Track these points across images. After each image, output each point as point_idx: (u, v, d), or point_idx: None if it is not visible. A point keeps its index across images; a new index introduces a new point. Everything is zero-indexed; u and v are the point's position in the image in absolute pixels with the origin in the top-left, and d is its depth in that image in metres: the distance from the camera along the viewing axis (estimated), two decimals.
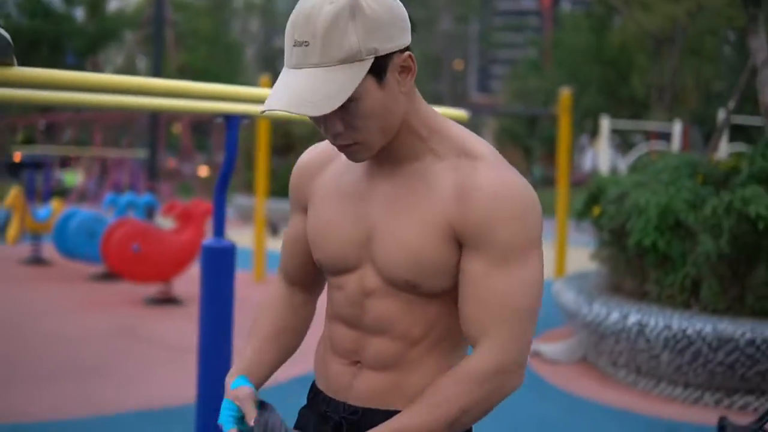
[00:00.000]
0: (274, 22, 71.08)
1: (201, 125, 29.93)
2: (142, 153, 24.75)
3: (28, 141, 43.25)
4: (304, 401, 2.24)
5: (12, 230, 13.77)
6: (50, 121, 35.08)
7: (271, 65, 67.31)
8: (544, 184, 53.83)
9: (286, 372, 3.24)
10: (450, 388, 1.87)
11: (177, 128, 32.57)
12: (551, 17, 61.54)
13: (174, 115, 24.23)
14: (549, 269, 13.12)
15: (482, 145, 1.96)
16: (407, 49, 1.87)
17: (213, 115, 4.15)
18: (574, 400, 6.92)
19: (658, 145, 21.20)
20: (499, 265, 1.85)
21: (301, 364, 3.41)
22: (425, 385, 1.94)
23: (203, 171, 33.10)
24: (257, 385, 2.16)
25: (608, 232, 7.90)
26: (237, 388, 2.04)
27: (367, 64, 1.77)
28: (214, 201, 4.28)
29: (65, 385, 6.83)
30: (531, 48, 68.39)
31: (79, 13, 57.01)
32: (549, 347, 8.24)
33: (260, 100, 3.95)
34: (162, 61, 18.10)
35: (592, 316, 7.40)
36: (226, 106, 4.00)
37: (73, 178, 32.14)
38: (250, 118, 4.20)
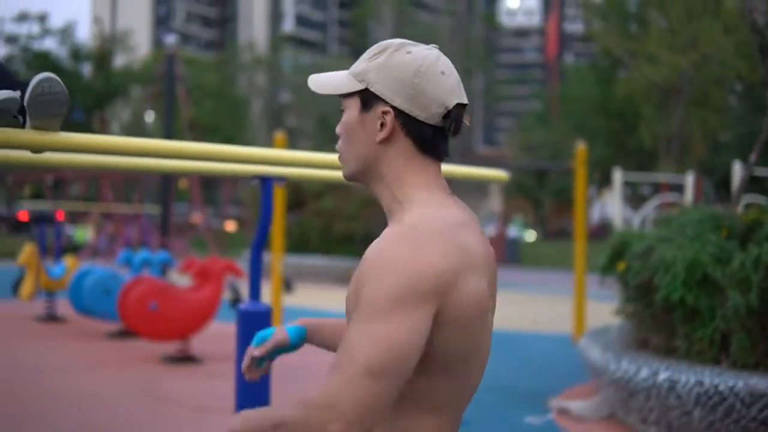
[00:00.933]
0: (280, 77, 71.39)
1: (209, 180, 29.93)
2: (153, 209, 24.73)
3: (36, 196, 43.28)
4: None
5: (26, 287, 13.74)
6: (58, 177, 35.06)
7: (277, 120, 67.53)
8: (554, 237, 53.83)
9: None
10: (285, 403, 1.87)
11: (183, 183, 32.61)
12: (557, 69, 61.71)
13: None
14: (568, 324, 13.05)
15: (413, 216, 2.00)
16: (402, 114, 2.04)
17: (249, 177, 4.13)
18: None
19: (670, 196, 21.17)
20: (356, 320, 1.87)
21: None
22: None
23: (230, 226, 33.08)
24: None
25: (634, 287, 7.82)
26: (285, 330, 2.43)
27: (359, 86, 2.07)
28: (250, 263, 4.25)
29: None
30: (536, 100, 68.61)
31: (86, 69, 57.41)
32: (576, 404, 8.15)
33: (294, 163, 3.96)
34: (173, 116, 18.15)
35: (621, 373, 7.31)
36: (262, 169, 3.98)
37: (84, 234, 32.12)
38: (285, 180, 4.17)
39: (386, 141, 2.06)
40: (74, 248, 26.33)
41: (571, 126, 46.08)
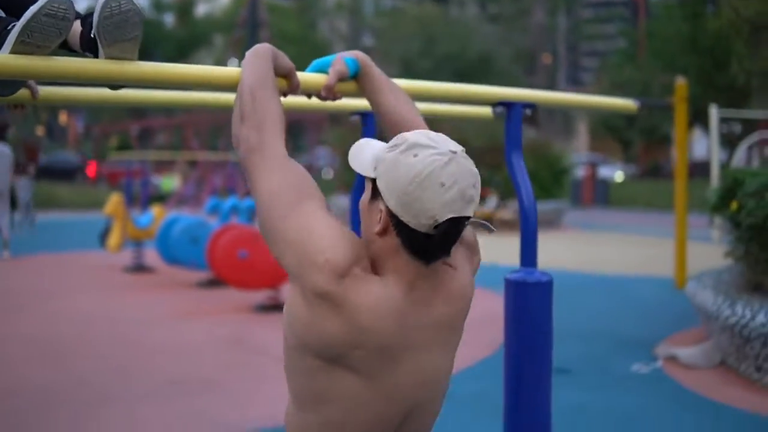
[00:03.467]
0: (362, 21, 70.91)
1: (295, 125, 29.78)
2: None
3: (123, 146, 43.62)
4: None
5: (114, 238, 13.65)
6: (143, 126, 35.24)
7: None
8: (643, 177, 52.93)
9: None
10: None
11: None
12: (644, 6, 60.38)
13: None
14: (666, 266, 12.59)
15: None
16: (394, 215, 2.05)
17: (349, 113, 3.82)
18: (719, 408, 6.44)
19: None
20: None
21: None
22: None
23: (330, 173, 32.98)
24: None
25: (747, 227, 7.38)
26: (344, 60, 2.65)
27: (372, 175, 2.13)
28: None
29: (176, 402, 6.54)
30: (621, 39, 67.26)
31: (168, 19, 57.59)
32: (685, 351, 7.76)
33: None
34: None
35: (736, 318, 6.91)
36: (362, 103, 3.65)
37: (170, 182, 32.21)
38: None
39: (381, 233, 2.09)
40: (161, 197, 26.33)
41: (659, 64, 45.01)
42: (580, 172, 40.19)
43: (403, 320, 2.10)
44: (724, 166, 18.69)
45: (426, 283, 2.15)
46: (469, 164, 2.06)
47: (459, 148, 2.07)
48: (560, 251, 16.99)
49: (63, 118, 59.30)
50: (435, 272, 2.17)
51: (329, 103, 2.84)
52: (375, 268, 2.13)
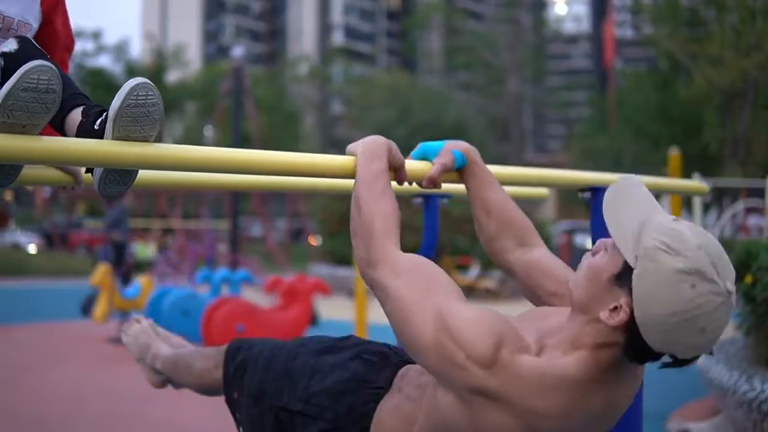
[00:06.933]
0: (332, 88, 71.37)
1: (272, 193, 29.71)
2: (222, 224, 24.50)
3: (92, 212, 43.38)
4: None
5: (100, 308, 13.46)
6: None
7: (329, 132, 67.38)
8: None
9: None
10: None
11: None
12: (613, 74, 61.02)
13: None
14: None
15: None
16: (633, 330, 1.93)
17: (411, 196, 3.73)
18: None
19: (752, 202, 20.60)
20: None
21: None
22: None
23: (313, 240, 32.97)
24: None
25: (762, 301, 7.33)
26: (452, 152, 2.59)
27: (630, 259, 1.94)
28: None
29: None
30: (587, 107, 67.84)
31: None
32: (698, 426, 7.68)
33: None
34: (240, 130, 17.86)
35: (754, 393, 6.83)
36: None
37: (145, 251, 31.98)
38: (450, 197, 3.75)
39: (612, 326, 1.95)
40: (137, 266, 26.12)
41: (630, 132, 45.42)
42: (558, 240, 40.35)
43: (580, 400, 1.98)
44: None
45: (621, 376, 2.05)
46: (732, 306, 1.91)
47: (733, 285, 1.92)
48: None
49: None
50: (634, 369, 2.08)
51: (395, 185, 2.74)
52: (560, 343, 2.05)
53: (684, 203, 38.44)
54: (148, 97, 2.08)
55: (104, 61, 55.94)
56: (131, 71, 54.67)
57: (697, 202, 17.12)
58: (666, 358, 1.97)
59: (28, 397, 9.45)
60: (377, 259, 2.18)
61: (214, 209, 29.89)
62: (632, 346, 1.95)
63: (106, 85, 49.06)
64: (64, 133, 2.30)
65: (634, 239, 1.94)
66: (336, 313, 15.68)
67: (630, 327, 1.92)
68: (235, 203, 18.27)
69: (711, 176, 36.77)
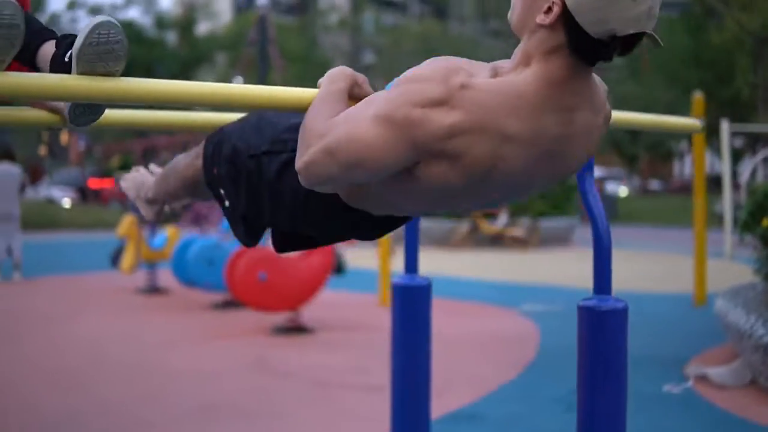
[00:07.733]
0: (363, 38, 70.98)
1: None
2: None
3: (125, 166, 43.55)
4: None
5: (128, 260, 13.56)
6: (147, 146, 35.14)
7: None
8: (649, 192, 52.85)
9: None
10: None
11: None
12: None
13: None
14: (682, 283, 12.51)
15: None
16: (571, 23, 1.99)
17: None
18: (755, 429, 6.35)
19: None
20: None
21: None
22: None
23: None
24: None
25: None
26: None
27: None
28: (405, 233, 3.85)
29: (212, 428, 6.42)
30: None
31: (170, 38, 57.68)
32: (715, 371, 7.67)
33: None
34: (266, 80, 17.83)
35: None
36: None
37: None
38: None
39: (548, 26, 2.01)
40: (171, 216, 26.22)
41: (661, 78, 45.05)
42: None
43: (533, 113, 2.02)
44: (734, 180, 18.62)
45: (578, 84, 2.07)
46: None
47: None
48: (573, 269, 16.90)
49: (64, 137, 59.31)
50: (589, 76, 2.11)
51: None
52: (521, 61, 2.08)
53: (715, 150, 38.18)
54: (110, 35, 2.09)
55: (133, 14, 56.01)
56: (161, 23, 54.70)
57: (725, 147, 16.90)
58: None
59: (56, 345, 9.60)
60: (306, 147, 2.19)
61: None
62: (574, 39, 1.98)
63: (136, 37, 49.03)
64: (37, 70, 2.30)
65: None
66: (361, 263, 15.75)
67: (567, 20, 1.97)
68: None
69: (743, 122, 36.55)
